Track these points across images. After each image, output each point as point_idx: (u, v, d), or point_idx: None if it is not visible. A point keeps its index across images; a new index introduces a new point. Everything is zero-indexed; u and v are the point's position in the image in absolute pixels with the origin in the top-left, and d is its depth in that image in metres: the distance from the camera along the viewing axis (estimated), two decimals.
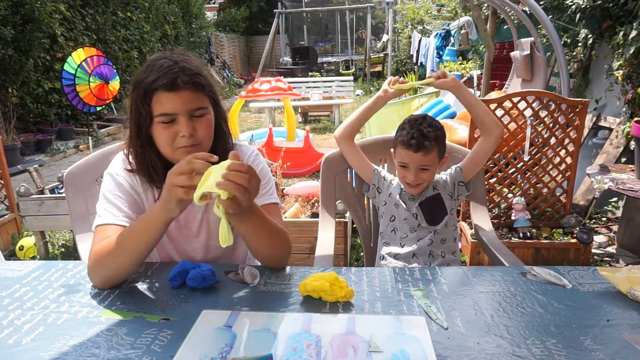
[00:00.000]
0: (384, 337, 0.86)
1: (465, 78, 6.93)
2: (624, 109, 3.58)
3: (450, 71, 6.79)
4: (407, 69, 12.60)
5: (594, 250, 2.86)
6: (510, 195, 2.81)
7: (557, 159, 2.75)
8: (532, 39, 4.29)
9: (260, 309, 0.96)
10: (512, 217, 2.70)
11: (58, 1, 7.35)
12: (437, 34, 8.99)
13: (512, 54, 4.64)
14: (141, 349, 0.83)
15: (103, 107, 7.23)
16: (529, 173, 2.74)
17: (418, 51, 10.01)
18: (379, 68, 14.27)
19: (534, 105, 2.68)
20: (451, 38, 8.50)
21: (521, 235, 2.66)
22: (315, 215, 2.76)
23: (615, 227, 3.13)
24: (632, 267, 1.04)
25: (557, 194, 2.78)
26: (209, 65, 14.20)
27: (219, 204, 0.90)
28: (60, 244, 3.06)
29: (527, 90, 2.91)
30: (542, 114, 2.72)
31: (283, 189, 3.17)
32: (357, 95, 11.02)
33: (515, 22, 4.96)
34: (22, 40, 6.20)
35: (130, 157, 1.18)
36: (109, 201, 1.15)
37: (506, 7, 4.69)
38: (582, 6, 3.83)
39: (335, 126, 7.61)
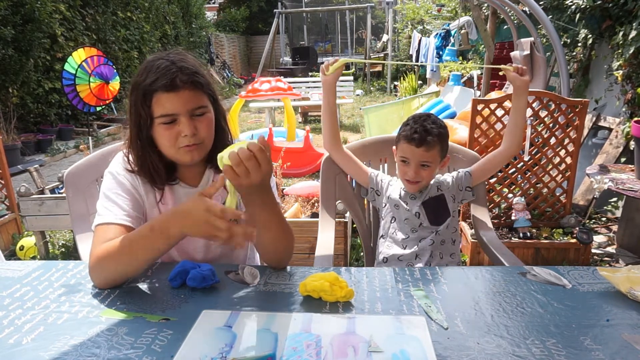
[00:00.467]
0: (384, 337, 0.86)
1: (465, 78, 6.93)
2: (623, 109, 3.58)
3: (450, 71, 6.79)
4: (407, 69, 12.59)
5: (593, 250, 2.86)
6: (510, 195, 2.81)
7: (557, 159, 2.75)
8: (532, 39, 4.28)
9: (260, 309, 0.96)
10: (512, 217, 2.70)
11: (58, 1, 7.35)
12: (437, 34, 8.98)
13: (512, 54, 4.64)
14: (141, 348, 0.83)
15: (103, 107, 7.22)
16: (529, 173, 2.74)
17: (418, 51, 10.00)
18: (379, 68, 14.27)
19: (534, 105, 2.68)
20: (451, 38, 8.49)
21: (521, 235, 2.66)
22: (315, 215, 2.76)
23: (615, 227, 3.13)
24: (632, 267, 1.04)
25: (557, 194, 2.79)
26: (208, 65, 14.20)
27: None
28: (60, 244, 3.06)
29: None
30: (542, 114, 2.72)
31: (283, 189, 3.17)
32: (357, 95, 11.02)
33: (515, 22, 4.96)
34: (22, 40, 6.20)
35: (130, 158, 1.18)
36: (109, 200, 1.14)
37: (506, 7, 4.69)
38: (582, 6, 3.83)
39: None
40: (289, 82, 6.90)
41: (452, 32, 8.41)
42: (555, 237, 2.66)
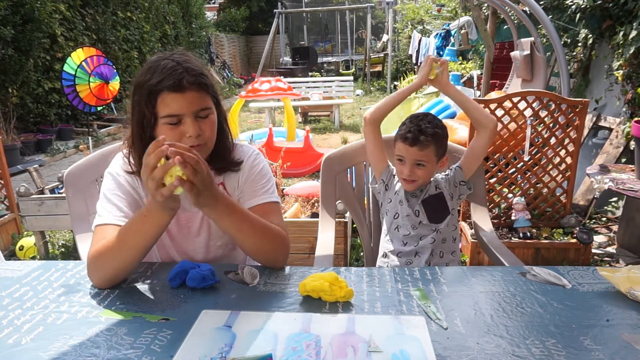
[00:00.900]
0: (383, 337, 0.86)
1: (465, 78, 6.94)
2: (624, 109, 3.58)
3: (450, 71, 6.79)
4: (407, 69, 12.60)
5: (594, 250, 2.86)
6: (510, 195, 2.81)
7: (557, 159, 2.75)
8: (532, 39, 4.29)
9: (260, 309, 0.96)
10: (512, 217, 2.70)
11: (58, 1, 7.35)
12: (437, 34, 8.99)
13: (512, 54, 4.64)
14: (141, 348, 0.83)
15: (103, 107, 7.23)
16: (529, 173, 2.74)
17: (418, 51, 10.01)
18: (379, 68, 14.27)
19: (534, 105, 2.68)
20: (451, 38, 8.50)
21: (521, 235, 2.66)
22: (315, 215, 2.76)
23: (615, 227, 3.13)
24: (632, 267, 1.04)
25: (557, 194, 2.78)
26: (208, 65, 14.20)
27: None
28: (60, 244, 3.06)
29: (527, 90, 2.91)
30: (542, 114, 2.72)
31: (283, 189, 3.17)
32: (357, 95, 11.02)
33: (515, 22, 4.96)
34: (22, 40, 6.21)
35: (130, 159, 1.18)
36: (109, 201, 1.15)
37: (506, 7, 4.69)
38: (582, 6, 3.83)
39: (335, 126, 7.62)
40: (289, 82, 6.91)
41: (452, 32, 8.41)
42: (555, 237, 2.66)
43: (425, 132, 1.42)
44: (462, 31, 7.40)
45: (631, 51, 3.26)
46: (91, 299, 1.01)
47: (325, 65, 16.53)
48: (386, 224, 1.58)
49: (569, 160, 2.71)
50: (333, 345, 0.84)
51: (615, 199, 3.31)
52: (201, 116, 1.11)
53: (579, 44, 4.20)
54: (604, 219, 3.33)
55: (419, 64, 10.10)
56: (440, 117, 1.65)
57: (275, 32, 13.66)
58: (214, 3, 20.74)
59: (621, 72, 3.44)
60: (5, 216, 3.12)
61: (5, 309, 0.98)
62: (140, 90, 1.09)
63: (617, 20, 3.61)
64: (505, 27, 5.62)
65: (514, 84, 4.72)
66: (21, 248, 2.95)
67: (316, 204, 2.98)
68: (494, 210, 2.85)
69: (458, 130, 3.75)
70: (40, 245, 2.93)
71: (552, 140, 2.71)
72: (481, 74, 5.90)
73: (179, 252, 1.27)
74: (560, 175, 2.73)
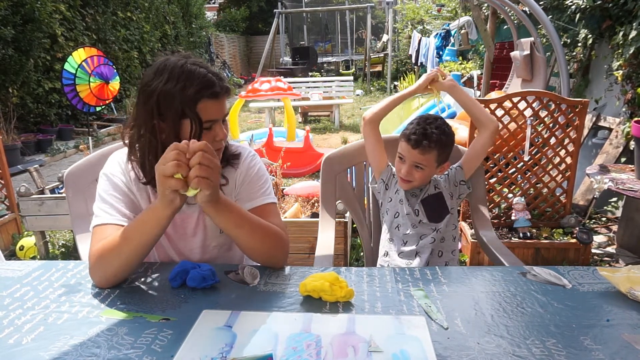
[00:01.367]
0: (384, 337, 0.86)
1: (465, 78, 6.94)
2: (623, 109, 3.58)
3: (450, 71, 6.79)
4: (407, 69, 12.60)
5: (593, 250, 2.86)
6: (510, 195, 2.81)
7: (557, 159, 2.75)
8: (532, 39, 4.29)
9: (260, 309, 0.96)
10: (512, 217, 2.70)
11: (58, 1, 7.35)
12: (437, 34, 8.99)
13: (512, 54, 4.64)
14: (141, 348, 0.83)
15: (103, 107, 7.23)
16: (529, 173, 2.74)
17: (418, 51, 10.01)
18: (379, 68, 14.28)
19: (534, 105, 2.68)
20: (451, 38, 8.50)
21: (521, 235, 2.66)
22: (315, 215, 2.76)
23: (615, 227, 3.13)
24: (632, 267, 1.04)
25: (557, 194, 2.79)
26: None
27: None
28: (60, 244, 3.06)
29: (527, 90, 2.91)
30: (542, 114, 2.72)
31: (283, 189, 3.17)
32: (357, 95, 11.02)
33: (515, 22, 4.96)
34: (22, 40, 6.20)
35: (134, 167, 1.17)
36: (105, 201, 1.15)
37: (506, 7, 4.70)
38: (582, 6, 3.83)
39: (335, 126, 7.62)
40: (289, 82, 6.91)
41: (452, 32, 8.41)
42: (555, 237, 2.66)
43: (429, 137, 1.41)
44: (462, 31, 7.40)
45: (631, 51, 3.26)
46: (92, 299, 1.01)
47: (325, 65, 16.53)
48: (386, 223, 1.58)
49: (568, 160, 2.71)
50: (333, 345, 0.84)
51: (615, 199, 3.31)
52: (224, 119, 1.18)
53: (579, 44, 4.20)
54: (603, 219, 3.33)
55: (418, 64, 10.12)
56: (440, 115, 1.65)
57: (275, 32, 13.65)
58: (214, 3, 20.74)
59: (621, 72, 3.44)
60: (6, 216, 3.13)
61: (6, 308, 0.98)
62: (175, 99, 1.07)
63: (617, 20, 3.61)
64: (505, 27, 5.63)
65: (514, 84, 4.72)
66: (21, 248, 2.95)
67: (316, 204, 2.98)
68: (494, 210, 2.85)
69: (458, 130, 3.75)
70: (40, 245, 2.93)
71: (552, 140, 2.71)
72: (481, 74, 5.90)
73: (176, 252, 1.28)
74: (560, 175, 2.73)
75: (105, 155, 1.49)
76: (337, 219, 1.91)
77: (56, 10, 7.25)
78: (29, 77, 6.66)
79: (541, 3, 4.39)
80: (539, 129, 2.72)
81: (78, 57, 5.91)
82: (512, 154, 2.75)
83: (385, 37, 14.03)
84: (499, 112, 2.65)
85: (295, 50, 15.59)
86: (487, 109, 2.50)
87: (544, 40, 4.38)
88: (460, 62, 7.78)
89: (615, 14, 3.61)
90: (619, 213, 3.19)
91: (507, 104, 2.65)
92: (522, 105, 2.66)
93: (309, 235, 2.44)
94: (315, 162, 4.80)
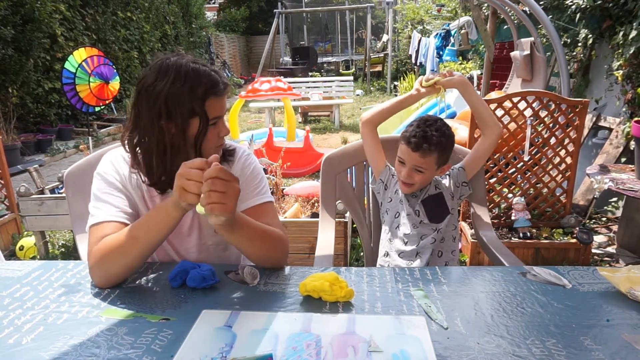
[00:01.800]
0: (384, 337, 0.86)
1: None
2: (623, 109, 3.58)
3: None
4: (407, 69, 12.60)
5: (594, 250, 2.86)
6: (510, 195, 2.81)
7: (557, 159, 2.75)
8: (532, 39, 4.29)
9: (260, 309, 0.96)
10: (512, 217, 2.70)
11: (58, 1, 7.35)
12: (437, 34, 8.98)
13: (512, 54, 4.64)
14: (141, 348, 0.83)
15: (103, 107, 7.23)
16: (529, 173, 2.74)
17: (417, 51, 10.00)
18: (379, 68, 14.27)
19: (534, 105, 2.68)
20: (451, 38, 8.49)
21: (521, 235, 2.66)
22: (315, 215, 2.76)
23: (615, 227, 3.13)
24: (632, 267, 1.04)
25: (557, 194, 2.78)
26: None
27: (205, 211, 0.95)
28: (60, 244, 3.06)
29: (527, 90, 2.91)
30: (542, 114, 2.72)
31: (283, 189, 3.17)
32: (357, 95, 11.02)
33: (515, 22, 4.96)
34: (22, 40, 6.20)
35: (141, 171, 1.17)
36: (100, 200, 1.15)
37: (506, 7, 4.69)
38: (582, 6, 3.83)
39: (335, 126, 7.62)
40: (289, 82, 6.91)
41: (452, 32, 8.41)
42: (555, 237, 2.66)
43: (429, 140, 1.41)
44: (462, 31, 7.40)
45: (631, 51, 3.26)
46: (92, 299, 1.01)
47: (325, 65, 16.53)
48: (387, 223, 1.58)
49: (569, 160, 2.71)
50: (333, 345, 0.84)
51: (615, 199, 3.31)
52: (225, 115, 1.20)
53: (579, 44, 4.20)
54: (604, 219, 3.33)
55: (418, 64, 10.11)
56: (440, 117, 1.65)
57: (275, 32, 13.65)
58: (214, 3, 20.74)
59: (621, 72, 3.44)
60: (6, 216, 3.12)
61: (6, 308, 0.98)
62: (183, 98, 1.08)
63: (617, 20, 3.61)
64: (505, 27, 5.62)
65: (514, 84, 4.72)
66: (21, 248, 2.95)
67: (316, 204, 2.98)
68: (494, 210, 2.85)
69: (458, 130, 3.75)
70: (40, 245, 2.93)
71: (552, 140, 2.71)
72: (481, 74, 5.90)
73: (176, 252, 1.28)
74: (560, 175, 2.73)
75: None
76: (337, 219, 1.91)
77: (56, 10, 7.25)
78: (28, 77, 6.66)
79: (541, 3, 4.39)
80: (539, 129, 2.72)
81: (78, 57, 5.91)
82: (512, 154, 2.75)
83: (385, 37, 14.03)
84: (499, 112, 2.65)
85: (295, 50, 15.59)
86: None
87: (544, 40, 4.38)
88: (460, 62, 7.78)
89: (616, 13, 3.61)
90: (619, 213, 3.19)
91: (507, 104, 2.65)
92: (522, 105, 2.66)
93: (309, 235, 2.44)
94: (315, 162, 4.79)
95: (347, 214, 2.47)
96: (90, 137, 5.70)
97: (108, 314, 0.95)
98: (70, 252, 3.02)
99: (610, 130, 3.58)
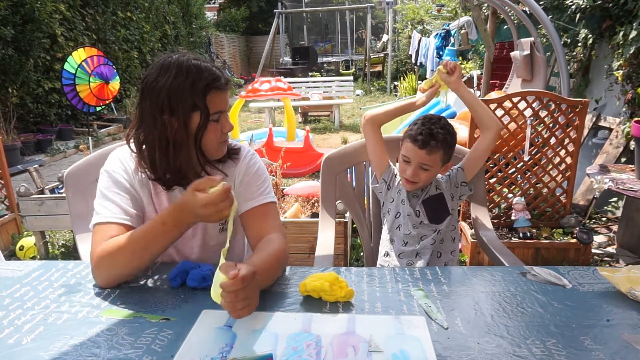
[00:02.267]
0: (384, 337, 0.86)
1: (465, 78, 6.93)
2: (623, 109, 3.58)
3: None
4: (407, 69, 12.60)
5: (594, 250, 2.86)
6: (510, 195, 2.81)
7: (557, 159, 2.75)
8: (532, 39, 4.29)
9: (260, 309, 0.96)
10: (512, 217, 2.70)
11: (58, 1, 7.35)
12: (437, 34, 8.98)
13: (512, 54, 4.64)
14: (141, 348, 0.83)
15: (103, 107, 7.23)
16: (529, 173, 2.74)
17: (417, 51, 10.01)
18: (379, 68, 14.27)
19: (534, 105, 2.68)
20: (451, 38, 8.49)
21: (521, 235, 2.66)
22: (315, 215, 2.76)
23: (615, 227, 3.13)
24: (632, 267, 1.04)
25: (557, 194, 2.78)
26: None
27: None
28: (60, 244, 3.06)
29: (527, 90, 2.91)
30: (542, 114, 2.72)
31: (283, 189, 3.17)
32: (357, 95, 11.02)
33: (515, 22, 4.96)
34: (22, 40, 6.20)
35: (146, 166, 1.17)
36: (107, 198, 1.14)
37: (506, 7, 4.69)
38: (582, 6, 3.83)
39: (335, 126, 7.62)
40: (289, 82, 6.91)
41: (452, 32, 8.41)
42: (555, 237, 2.66)
43: (436, 137, 1.41)
44: (462, 31, 7.40)
45: (631, 51, 3.26)
46: (92, 299, 1.01)
47: (325, 65, 16.52)
48: (387, 223, 1.58)
49: (569, 160, 2.71)
50: (333, 345, 0.84)
51: (615, 199, 3.31)
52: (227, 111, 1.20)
53: (579, 44, 4.20)
54: (604, 219, 3.33)
55: (418, 64, 10.11)
56: (442, 115, 1.66)
57: (275, 32, 13.65)
58: (214, 3, 20.74)
59: (621, 72, 3.44)
60: (5, 216, 3.12)
61: (6, 308, 0.98)
62: (184, 93, 1.08)
63: (617, 20, 3.61)
64: (505, 27, 5.62)
65: (514, 84, 4.72)
66: (21, 248, 2.95)
67: (316, 204, 2.98)
68: (494, 210, 2.85)
69: (458, 131, 3.72)
70: (40, 245, 2.93)
71: (552, 140, 2.71)
72: (481, 74, 5.90)
73: (176, 252, 1.27)
74: (560, 175, 2.73)
75: (105, 155, 1.49)
76: (337, 219, 1.91)
77: (56, 10, 7.25)
78: (28, 77, 6.66)
79: (541, 3, 4.39)
80: (539, 129, 2.72)
81: (78, 57, 5.90)
82: (512, 154, 2.75)
83: (385, 37, 14.02)
84: (499, 112, 2.65)
85: (295, 50, 15.59)
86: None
87: (544, 40, 4.38)
88: (460, 62, 7.77)
89: (616, 13, 3.61)
90: (619, 213, 3.19)
91: (507, 104, 2.65)
92: (522, 105, 2.66)
93: (309, 235, 2.44)
94: (315, 162, 4.79)
95: (347, 214, 2.47)
96: (90, 137, 5.70)
97: (108, 314, 0.95)
98: (70, 252, 3.02)
99: (610, 130, 3.58)
